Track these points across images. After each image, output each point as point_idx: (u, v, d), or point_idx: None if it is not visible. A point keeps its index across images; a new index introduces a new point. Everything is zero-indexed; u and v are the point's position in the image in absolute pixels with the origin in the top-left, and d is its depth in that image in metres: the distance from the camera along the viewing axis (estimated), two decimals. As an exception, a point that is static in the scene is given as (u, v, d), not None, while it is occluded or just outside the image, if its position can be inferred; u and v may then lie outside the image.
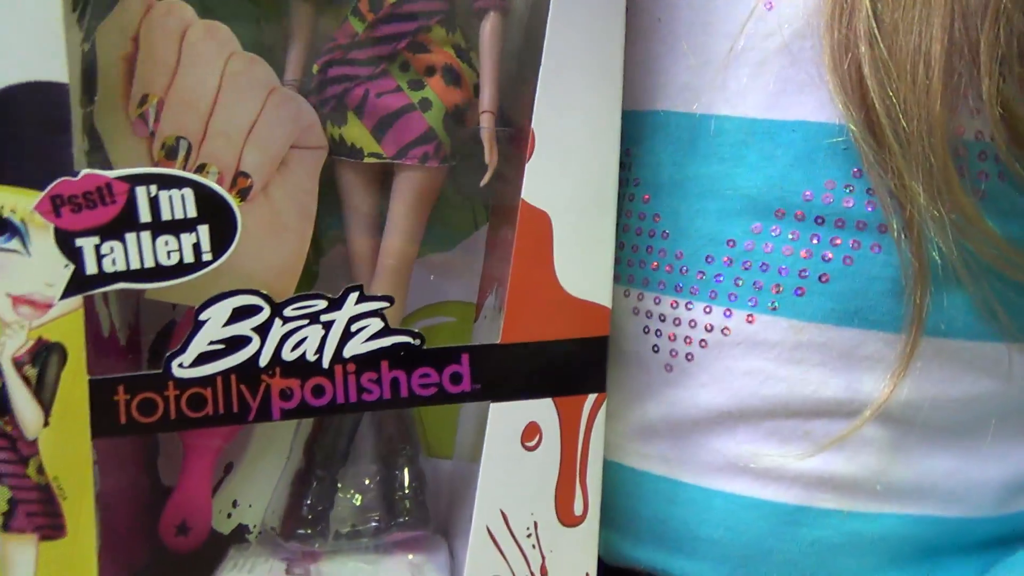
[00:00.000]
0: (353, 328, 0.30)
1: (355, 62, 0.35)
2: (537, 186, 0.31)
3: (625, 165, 0.35)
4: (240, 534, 0.37)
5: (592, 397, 0.32)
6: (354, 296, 0.31)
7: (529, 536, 0.32)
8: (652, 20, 0.34)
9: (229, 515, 0.37)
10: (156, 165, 0.32)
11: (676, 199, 0.34)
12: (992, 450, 0.35)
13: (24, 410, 0.28)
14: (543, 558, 0.32)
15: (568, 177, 0.31)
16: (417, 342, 0.31)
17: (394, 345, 0.31)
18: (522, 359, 0.31)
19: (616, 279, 0.33)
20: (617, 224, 0.33)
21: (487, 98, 0.34)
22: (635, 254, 0.36)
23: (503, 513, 0.31)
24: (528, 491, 0.32)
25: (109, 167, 0.32)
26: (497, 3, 0.35)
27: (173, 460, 0.36)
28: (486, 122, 0.34)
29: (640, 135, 0.35)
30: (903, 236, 0.31)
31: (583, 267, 0.32)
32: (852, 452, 0.34)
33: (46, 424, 0.28)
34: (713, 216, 0.34)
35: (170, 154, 0.32)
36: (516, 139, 0.34)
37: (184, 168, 0.32)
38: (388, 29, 0.34)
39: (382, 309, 0.31)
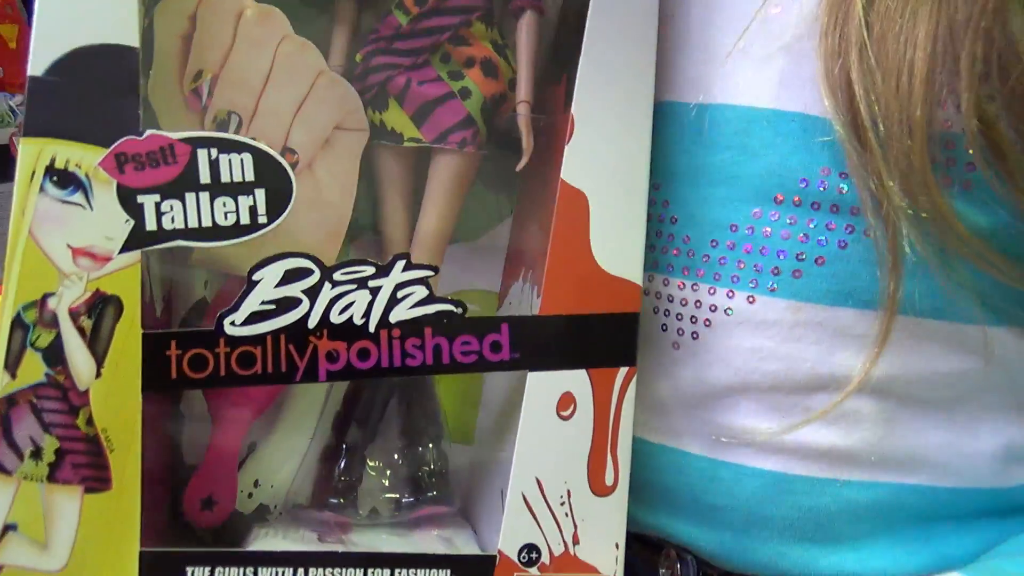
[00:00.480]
0: (399, 295, 0.31)
1: (398, 52, 0.36)
2: (575, 167, 0.33)
3: None
4: (260, 515, 0.37)
5: (624, 370, 0.34)
6: (401, 264, 0.32)
7: (563, 504, 0.32)
8: (665, 16, 0.36)
9: (250, 495, 0.37)
10: (207, 138, 0.33)
11: (684, 186, 0.37)
12: (983, 423, 0.37)
13: (78, 361, 0.28)
14: (575, 526, 0.33)
15: (604, 159, 0.33)
16: (460, 310, 0.32)
17: (438, 313, 0.32)
18: (559, 330, 0.33)
19: None
20: None
21: (524, 89, 0.36)
22: (646, 238, 0.37)
23: (538, 481, 0.32)
24: (562, 460, 0.33)
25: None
26: (534, 3, 0.37)
27: (197, 439, 0.37)
28: (524, 110, 0.36)
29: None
30: (879, 231, 0.33)
31: (617, 245, 0.33)
32: (847, 424, 0.36)
33: (98, 376, 0.28)
34: (718, 202, 0.36)
35: (221, 127, 0.33)
36: (548, 129, 0.36)
37: (234, 141, 0.33)
38: (431, 23, 0.36)
39: (427, 278, 0.32)
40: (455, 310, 0.32)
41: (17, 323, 0.28)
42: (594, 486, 0.33)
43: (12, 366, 0.28)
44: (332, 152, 0.35)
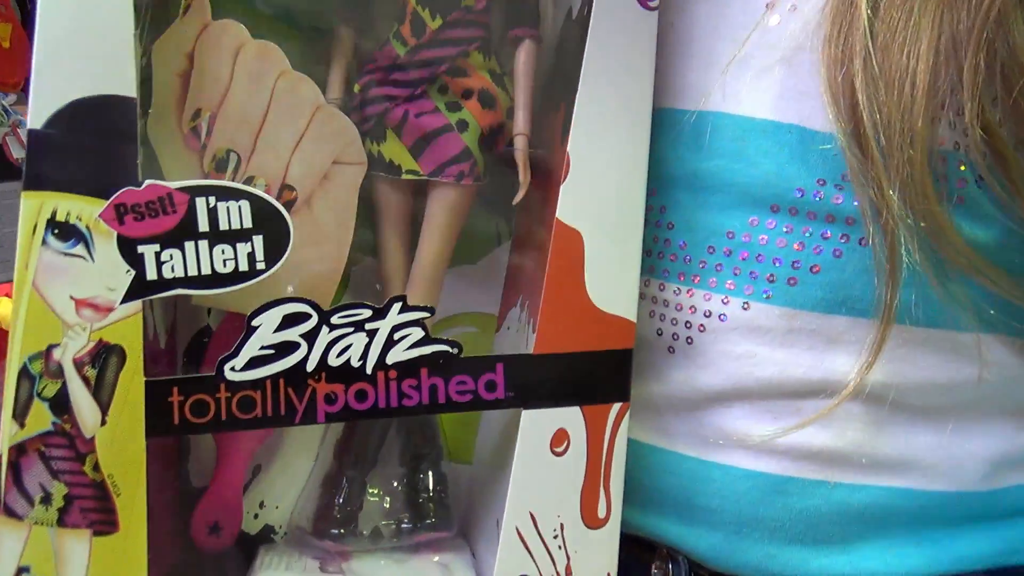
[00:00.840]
0: (396, 336, 0.32)
1: (395, 83, 0.36)
2: (571, 206, 0.33)
3: None
4: (266, 535, 0.38)
5: (617, 406, 0.34)
6: (397, 306, 0.32)
7: (556, 537, 0.33)
8: (666, 24, 0.36)
9: (256, 516, 0.38)
10: (206, 177, 0.34)
11: (681, 192, 0.37)
12: (974, 428, 0.38)
13: (83, 409, 0.29)
14: (568, 558, 0.34)
15: (600, 198, 0.33)
16: (455, 351, 0.33)
17: (434, 353, 0.32)
18: (553, 369, 0.33)
19: None
20: None
21: (521, 121, 0.36)
22: (643, 243, 0.38)
23: (532, 515, 0.33)
24: (556, 494, 0.33)
25: (160, 177, 0.33)
26: (531, 32, 0.37)
27: (203, 463, 0.38)
28: (520, 144, 0.36)
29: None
30: (878, 239, 0.33)
31: (612, 283, 0.34)
32: (838, 428, 0.36)
33: (103, 423, 0.29)
34: (714, 209, 0.36)
35: (220, 166, 0.34)
36: (544, 162, 0.36)
37: (233, 180, 0.34)
38: (429, 54, 0.36)
39: (423, 319, 0.32)
40: (450, 351, 0.33)
41: (24, 374, 0.29)
42: (587, 519, 0.34)
43: (20, 416, 0.29)
44: (330, 186, 0.35)
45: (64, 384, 0.29)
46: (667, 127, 0.37)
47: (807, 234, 0.35)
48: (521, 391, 0.33)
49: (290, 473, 0.39)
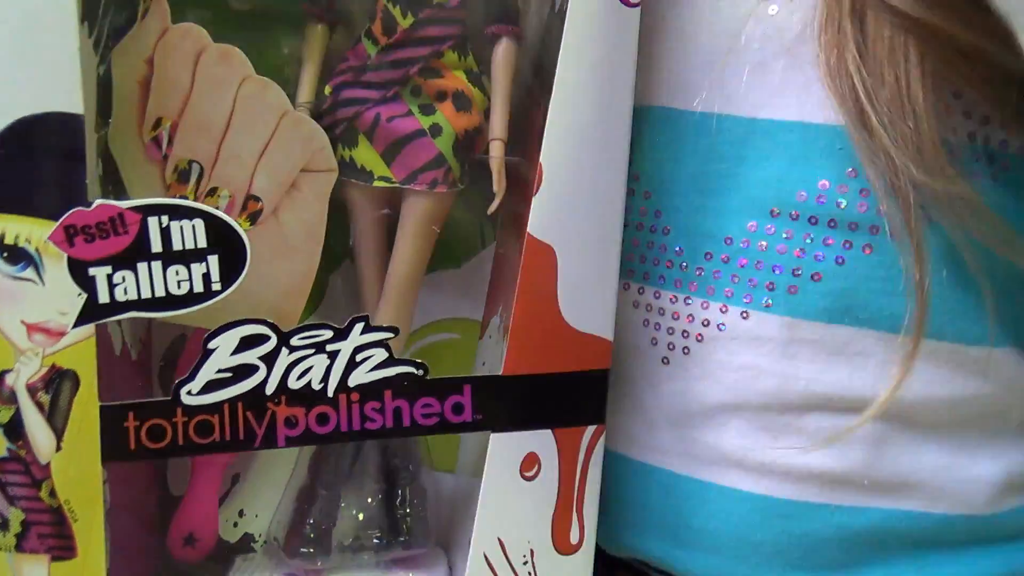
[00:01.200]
0: (358, 358, 0.31)
1: (367, 84, 0.35)
2: (543, 220, 0.32)
3: None
4: (246, 543, 0.38)
5: (591, 429, 0.33)
6: (360, 326, 0.31)
7: (525, 563, 0.32)
8: (657, 19, 0.34)
9: (235, 524, 0.38)
10: (168, 188, 0.33)
11: (676, 196, 0.35)
12: (982, 448, 0.36)
13: (38, 435, 0.29)
14: (539, 584, 0.33)
15: (574, 212, 0.32)
16: (420, 372, 0.32)
17: (398, 375, 0.31)
18: (523, 391, 0.32)
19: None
20: None
21: (497, 126, 0.34)
22: (636, 249, 0.37)
23: (500, 541, 0.32)
24: (526, 520, 0.32)
25: (123, 191, 0.33)
26: (509, 30, 0.35)
27: (182, 470, 0.37)
28: (495, 151, 0.34)
29: (641, 130, 0.35)
30: (904, 236, 0.31)
31: (587, 301, 0.32)
32: (840, 448, 0.35)
33: (58, 449, 0.29)
34: (712, 213, 0.34)
35: (182, 178, 0.33)
36: (521, 168, 0.34)
37: (196, 192, 0.33)
38: (401, 54, 0.34)
39: (387, 339, 0.31)
40: (416, 372, 0.32)
41: (-24, 400, 0.28)
42: (559, 544, 0.33)
43: (-25, 442, 0.29)
44: (298, 196, 0.34)
45: (17, 410, 0.28)
46: (662, 127, 0.35)
47: (808, 240, 0.33)
48: (490, 414, 0.32)
49: (268, 481, 0.38)
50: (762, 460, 0.35)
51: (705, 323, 0.35)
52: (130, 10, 0.32)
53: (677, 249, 0.35)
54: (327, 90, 0.35)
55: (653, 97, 0.35)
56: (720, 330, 0.35)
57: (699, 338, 0.35)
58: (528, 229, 0.31)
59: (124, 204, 0.29)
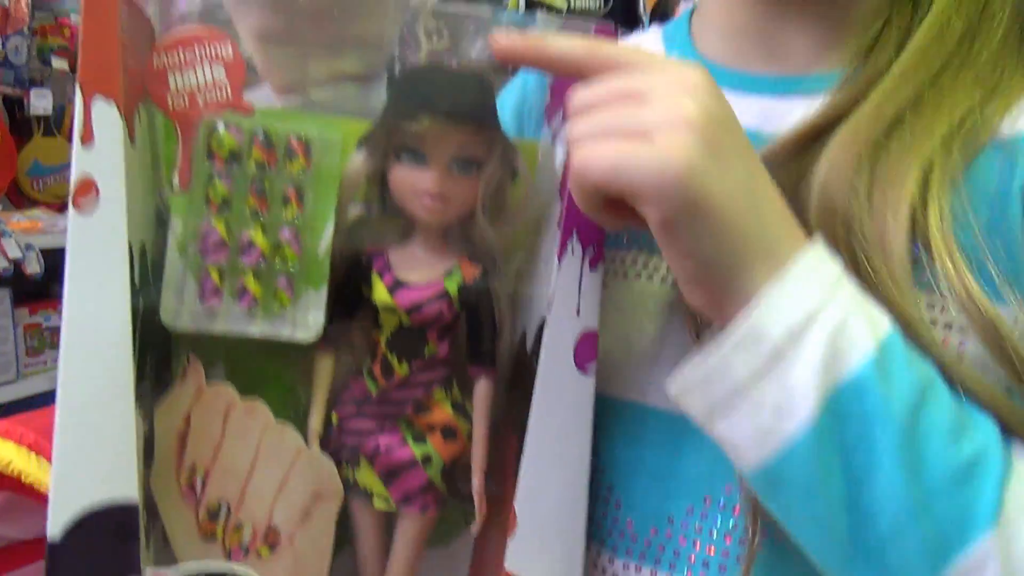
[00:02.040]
0: None
1: (367, 416, 0.41)
2: (517, 556, 0.38)
3: None
4: None
5: None
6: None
7: None
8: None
9: None
10: (200, 527, 0.39)
11: (626, 476, 0.41)
12: None
13: None
14: None
15: (544, 550, 0.38)
16: None
17: None
18: None
19: None
20: None
21: (479, 458, 0.41)
22: (593, 517, 0.42)
23: None
24: None
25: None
26: (487, 371, 0.41)
27: None
28: (476, 483, 0.40)
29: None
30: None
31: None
32: None
33: None
34: (656, 495, 0.40)
35: (212, 517, 0.39)
36: (499, 491, 0.40)
37: (224, 528, 0.39)
38: (397, 395, 0.41)
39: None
40: None
41: None
42: None
43: None
44: (310, 523, 0.40)
45: None
46: (611, 414, 0.41)
47: (735, 528, 0.39)
48: None
49: None
50: None
51: None
52: (168, 373, 0.39)
53: (628, 521, 0.40)
54: (334, 419, 0.42)
55: (603, 386, 0.40)
56: None
57: None
58: (506, 564, 0.38)
59: (170, 571, 0.35)
